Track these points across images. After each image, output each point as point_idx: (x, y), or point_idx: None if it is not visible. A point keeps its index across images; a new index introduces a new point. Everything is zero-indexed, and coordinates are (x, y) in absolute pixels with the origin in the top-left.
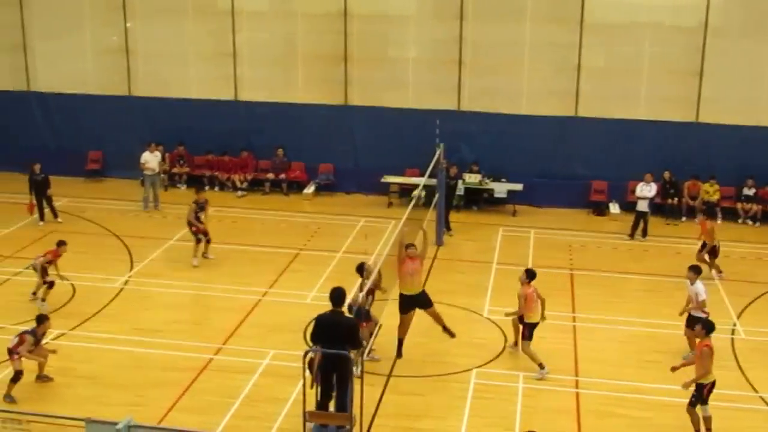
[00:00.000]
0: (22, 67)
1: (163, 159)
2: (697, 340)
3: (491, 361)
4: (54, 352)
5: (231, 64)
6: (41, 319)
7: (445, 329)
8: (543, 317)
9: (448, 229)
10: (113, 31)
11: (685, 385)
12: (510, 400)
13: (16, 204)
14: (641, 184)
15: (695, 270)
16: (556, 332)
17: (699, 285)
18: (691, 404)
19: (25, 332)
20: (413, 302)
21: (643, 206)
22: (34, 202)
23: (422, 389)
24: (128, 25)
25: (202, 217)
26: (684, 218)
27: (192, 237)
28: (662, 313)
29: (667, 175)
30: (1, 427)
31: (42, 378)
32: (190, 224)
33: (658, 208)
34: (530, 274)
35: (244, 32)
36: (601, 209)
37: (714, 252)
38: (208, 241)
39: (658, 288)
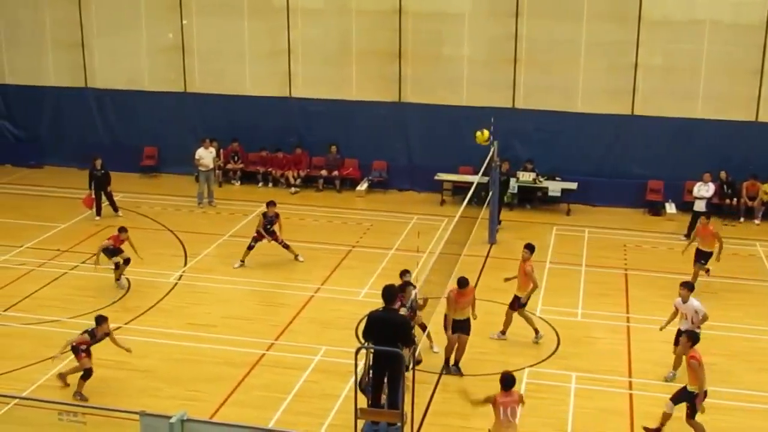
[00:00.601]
0: (80, 65)
1: (218, 155)
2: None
3: (543, 360)
4: (129, 350)
5: (285, 61)
6: (100, 320)
7: (456, 364)
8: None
9: (499, 223)
10: (169, 29)
11: (701, 408)
12: (562, 400)
13: (74, 199)
14: (699, 183)
15: (688, 287)
16: (609, 333)
17: (695, 302)
18: (689, 416)
19: (85, 332)
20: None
21: (700, 206)
22: (93, 196)
23: (474, 388)
24: (184, 22)
25: (274, 228)
26: (742, 219)
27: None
28: (717, 315)
29: (723, 175)
30: (57, 420)
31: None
32: (258, 233)
33: (715, 208)
34: (530, 248)
35: (298, 29)
36: (656, 209)
37: (703, 260)
38: (286, 247)
39: (713, 289)
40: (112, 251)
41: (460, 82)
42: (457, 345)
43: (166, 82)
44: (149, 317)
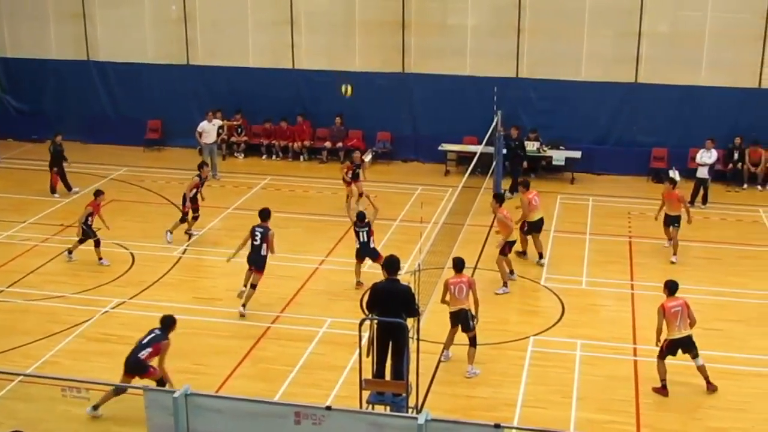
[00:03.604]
0: (82, 37)
1: (222, 126)
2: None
3: (549, 329)
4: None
5: (289, 32)
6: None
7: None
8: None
9: (514, 191)
10: (172, 0)
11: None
12: (568, 368)
13: (77, 174)
14: (701, 150)
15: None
16: (614, 300)
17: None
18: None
19: (157, 340)
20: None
21: (703, 173)
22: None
23: (479, 357)
24: None
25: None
26: (746, 185)
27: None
28: (725, 282)
29: (738, 141)
30: (61, 395)
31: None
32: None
33: (719, 174)
34: (499, 198)
35: (301, 0)
36: (660, 176)
37: (675, 222)
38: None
39: (718, 255)
40: (89, 227)
41: (464, 52)
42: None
43: (170, 54)
44: (154, 291)
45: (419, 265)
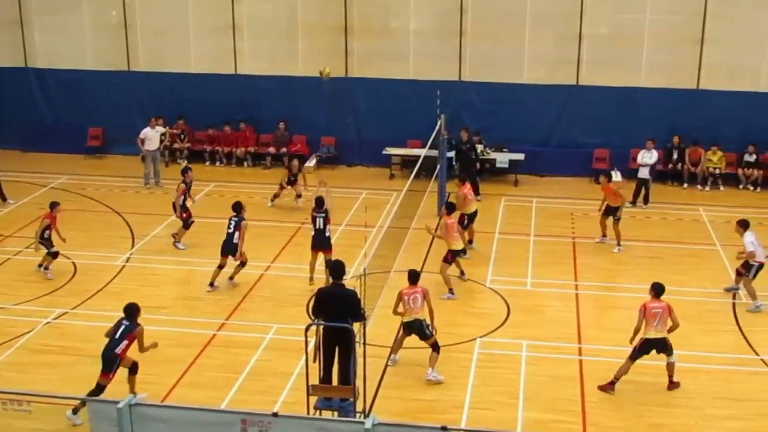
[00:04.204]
0: (20, 43)
1: (165, 133)
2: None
3: (495, 330)
4: (155, 345)
5: (231, 37)
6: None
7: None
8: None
9: (477, 194)
10: (112, 6)
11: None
12: (514, 369)
13: (16, 183)
14: (642, 151)
15: (743, 224)
16: (559, 300)
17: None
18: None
19: (129, 330)
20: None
21: (644, 173)
22: None
23: (426, 360)
24: None
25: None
26: (686, 185)
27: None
28: (665, 279)
29: (676, 140)
30: (2, 409)
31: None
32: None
33: (660, 174)
34: (449, 208)
35: (243, 4)
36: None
37: (615, 214)
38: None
39: (660, 254)
40: (47, 240)
41: (407, 56)
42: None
43: (111, 60)
44: (97, 301)
45: (365, 269)
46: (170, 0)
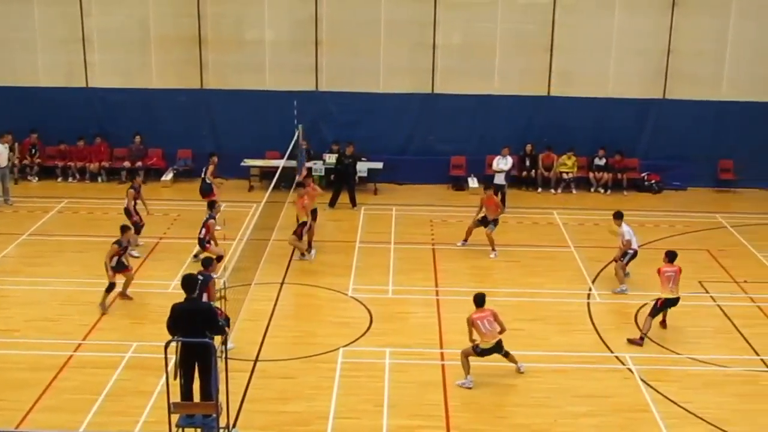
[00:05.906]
0: None
1: (12, 150)
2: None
3: (358, 339)
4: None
5: (81, 50)
6: (124, 229)
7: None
8: None
9: (354, 205)
10: None
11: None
12: (378, 377)
13: None
14: (498, 157)
15: (619, 216)
16: (421, 307)
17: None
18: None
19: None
20: None
21: (500, 179)
22: None
23: (290, 372)
24: None
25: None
26: (540, 189)
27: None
28: (522, 282)
29: (528, 148)
30: None
31: (124, 296)
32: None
33: (515, 180)
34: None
35: (93, 17)
36: (460, 184)
37: (490, 224)
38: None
39: (516, 257)
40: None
41: (263, 67)
42: None
43: None
44: None
45: (225, 282)
46: (17, 12)
